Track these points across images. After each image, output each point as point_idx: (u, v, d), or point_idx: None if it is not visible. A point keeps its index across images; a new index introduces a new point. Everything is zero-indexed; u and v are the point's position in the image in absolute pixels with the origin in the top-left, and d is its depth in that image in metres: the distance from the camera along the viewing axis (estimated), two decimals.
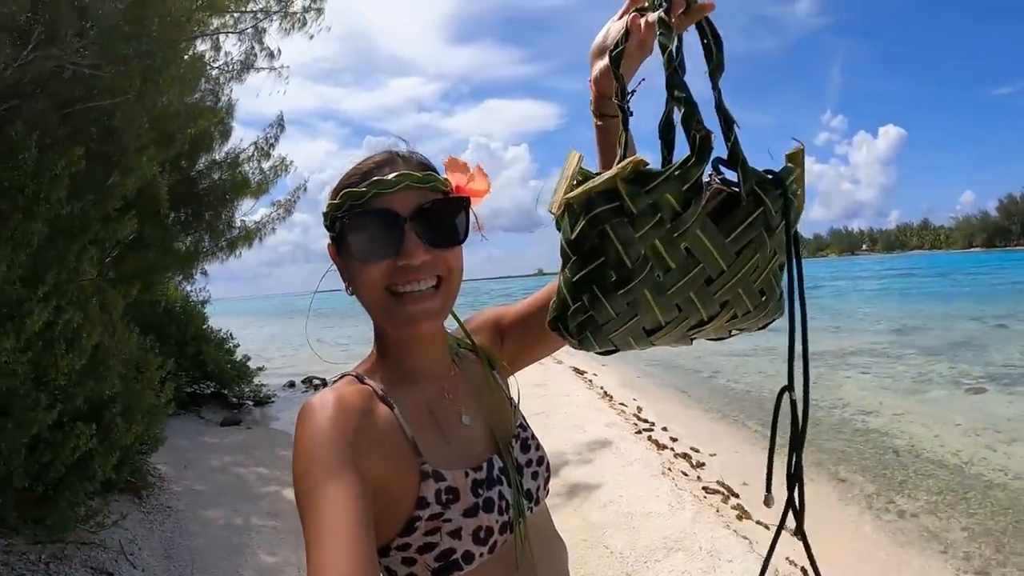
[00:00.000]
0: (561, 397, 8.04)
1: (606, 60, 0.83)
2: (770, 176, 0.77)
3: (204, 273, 7.97)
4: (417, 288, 0.80)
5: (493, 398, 0.94)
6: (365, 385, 0.82)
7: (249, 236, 8.26)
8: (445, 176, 0.86)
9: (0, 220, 2.79)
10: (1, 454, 2.62)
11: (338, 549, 0.61)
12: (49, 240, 3.23)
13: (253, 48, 6.75)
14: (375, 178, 0.80)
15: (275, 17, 6.41)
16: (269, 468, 5.62)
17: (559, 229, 0.75)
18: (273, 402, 8.84)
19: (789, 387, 0.78)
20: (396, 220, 0.79)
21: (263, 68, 7.49)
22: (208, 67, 6.52)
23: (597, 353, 0.82)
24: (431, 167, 0.86)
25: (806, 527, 0.80)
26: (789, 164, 0.79)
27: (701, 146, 0.70)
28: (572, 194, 0.72)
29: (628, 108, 0.82)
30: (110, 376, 3.59)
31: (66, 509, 2.99)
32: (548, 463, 0.95)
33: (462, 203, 0.85)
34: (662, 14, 0.75)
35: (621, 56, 0.80)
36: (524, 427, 0.95)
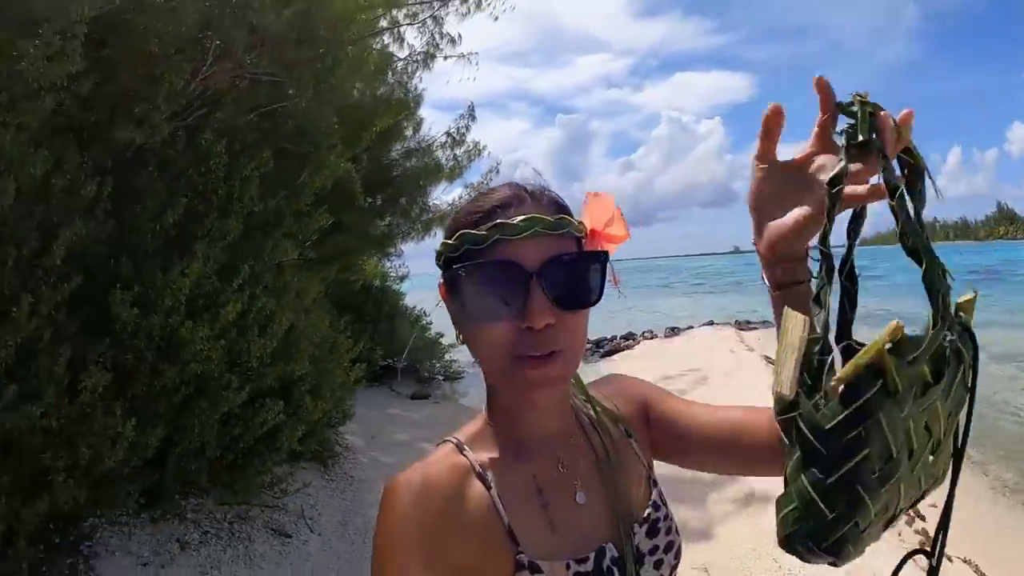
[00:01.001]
0: (749, 390, 7.36)
1: (800, 213, 0.68)
2: (962, 328, 0.65)
3: (399, 254, 8.58)
4: (538, 353, 0.70)
5: (621, 471, 0.82)
6: (463, 457, 0.76)
7: (443, 218, 8.70)
8: (580, 220, 0.77)
9: (196, 220, 3.14)
10: (195, 428, 2.99)
11: None
12: (244, 236, 3.60)
13: (434, 37, 6.96)
14: (499, 221, 0.70)
15: (452, 2, 6.52)
16: None
17: (782, 414, 0.59)
18: (463, 377, 9.31)
19: (928, 554, 0.66)
20: (521, 274, 0.69)
21: (450, 56, 7.73)
22: (394, 59, 6.88)
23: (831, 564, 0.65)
24: (564, 207, 0.77)
25: None
26: (961, 313, 0.66)
27: (946, 308, 0.62)
28: (844, 373, 0.56)
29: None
30: (301, 358, 3.94)
31: (253, 476, 3.36)
32: (679, 548, 0.83)
33: (599, 258, 0.75)
34: (879, 147, 0.62)
35: (838, 198, 0.62)
36: (658, 506, 0.82)
